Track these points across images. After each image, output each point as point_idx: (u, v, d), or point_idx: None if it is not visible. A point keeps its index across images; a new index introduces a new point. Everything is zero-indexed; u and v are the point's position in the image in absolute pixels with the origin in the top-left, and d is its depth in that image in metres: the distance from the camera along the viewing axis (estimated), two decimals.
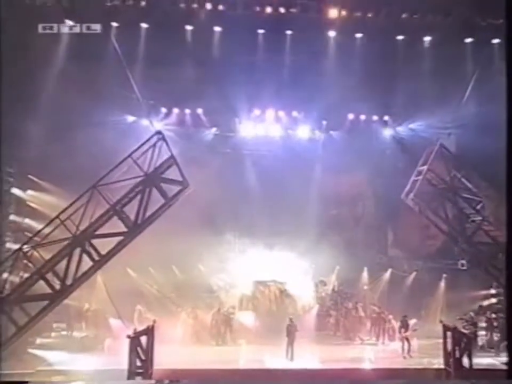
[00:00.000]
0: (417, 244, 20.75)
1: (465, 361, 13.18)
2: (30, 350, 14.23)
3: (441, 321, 14.15)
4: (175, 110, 19.61)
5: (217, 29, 15.11)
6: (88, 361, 14.29)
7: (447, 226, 14.97)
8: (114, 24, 14.68)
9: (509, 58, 11.23)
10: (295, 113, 19.87)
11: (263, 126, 20.50)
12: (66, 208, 13.02)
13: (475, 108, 16.18)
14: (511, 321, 11.11)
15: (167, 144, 13.74)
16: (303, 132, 20.72)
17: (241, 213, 19.91)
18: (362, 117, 19.96)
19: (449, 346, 13.40)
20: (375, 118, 20.10)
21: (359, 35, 15.14)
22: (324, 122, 20.22)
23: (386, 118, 20.14)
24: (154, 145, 13.67)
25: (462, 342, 13.26)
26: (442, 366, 13.58)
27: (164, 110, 19.46)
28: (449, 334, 13.40)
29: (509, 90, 11.28)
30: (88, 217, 12.95)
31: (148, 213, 13.18)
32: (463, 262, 17.31)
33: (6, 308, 12.14)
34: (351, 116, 19.89)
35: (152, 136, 13.86)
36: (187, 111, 19.67)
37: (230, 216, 19.76)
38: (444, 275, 19.59)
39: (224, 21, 14.49)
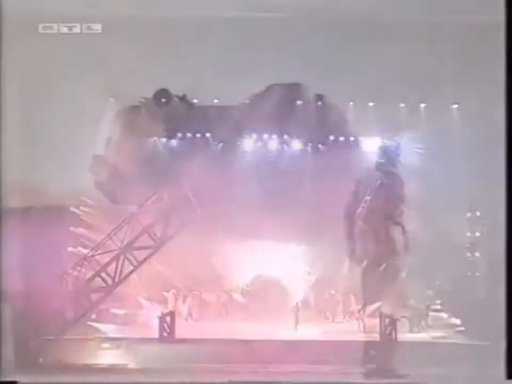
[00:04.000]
0: None
1: (393, 336, 20.85)
2: (88, 323, 21.64)
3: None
4: (188, 135, 26.65)
5: None
6: (128, 331, 21.62)
7: (385, 240, 22.16)
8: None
9: (508, 59, 15.30)
10: (285, 137, 26.70)
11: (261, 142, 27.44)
12: (114, 229, 20.83)
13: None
14: (511, 321, 14.77)
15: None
16: (295, 145, 27.44)
17: (243, 213, 24.79)
18: (341, 138, 26.78)
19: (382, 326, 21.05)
20: (352, 138, 26.75)
21: (319, 103, 22.19)
22: (310, 144, 26.96)
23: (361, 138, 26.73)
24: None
25: (390, 323, 20.92)
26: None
27: (179, 134, 26.83)
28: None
29: (509, 95, 15.77)
30: (128, 234, 20.76)
31: (169, 232, 20.97)
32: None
33: (76, 296, 20.20)
34: (331, 137, 26.55)
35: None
36: (197, 135, 26.60)
37: (233, 215, 24.93)
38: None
39: None
